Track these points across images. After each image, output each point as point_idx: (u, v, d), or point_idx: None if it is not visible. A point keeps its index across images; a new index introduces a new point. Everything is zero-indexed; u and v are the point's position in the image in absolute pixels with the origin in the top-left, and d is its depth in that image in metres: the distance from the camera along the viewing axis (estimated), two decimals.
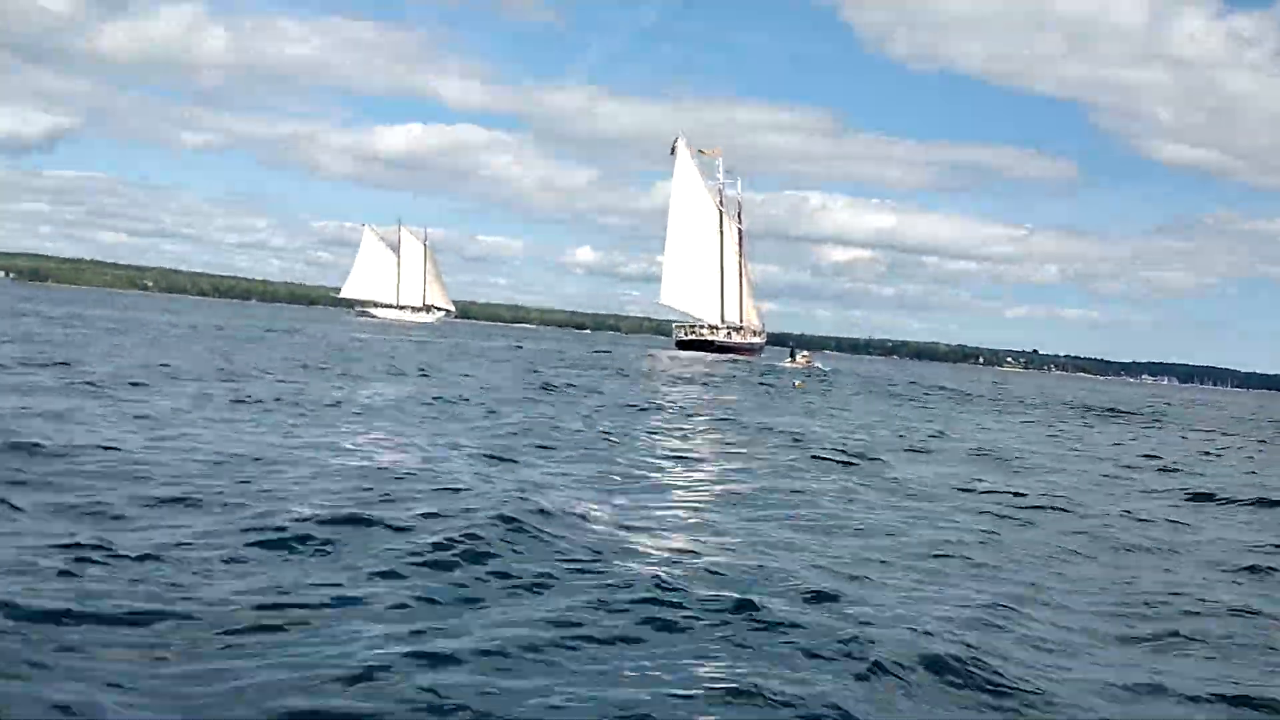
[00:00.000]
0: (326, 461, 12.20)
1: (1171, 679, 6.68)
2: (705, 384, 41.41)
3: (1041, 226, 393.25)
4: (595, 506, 10.51)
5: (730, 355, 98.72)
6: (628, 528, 9.61)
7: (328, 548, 7.92)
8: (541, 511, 9.37)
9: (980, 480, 16.29)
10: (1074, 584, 9.35)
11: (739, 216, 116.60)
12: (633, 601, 7.01)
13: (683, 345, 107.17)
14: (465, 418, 19.31)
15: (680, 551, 8.83)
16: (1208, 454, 28.24)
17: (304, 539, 8.04)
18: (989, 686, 6.12)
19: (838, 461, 17.00)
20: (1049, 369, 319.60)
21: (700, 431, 21.38)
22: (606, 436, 17.98)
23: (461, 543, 8.06)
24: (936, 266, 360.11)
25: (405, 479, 11.14)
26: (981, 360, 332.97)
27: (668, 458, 16.28)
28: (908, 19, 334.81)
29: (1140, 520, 13.55)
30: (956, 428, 28.15)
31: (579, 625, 6.50)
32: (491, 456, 13.87)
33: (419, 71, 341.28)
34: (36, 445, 11.09)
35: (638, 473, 13.99)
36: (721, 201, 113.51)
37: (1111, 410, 50.54)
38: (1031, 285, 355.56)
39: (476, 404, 22.30)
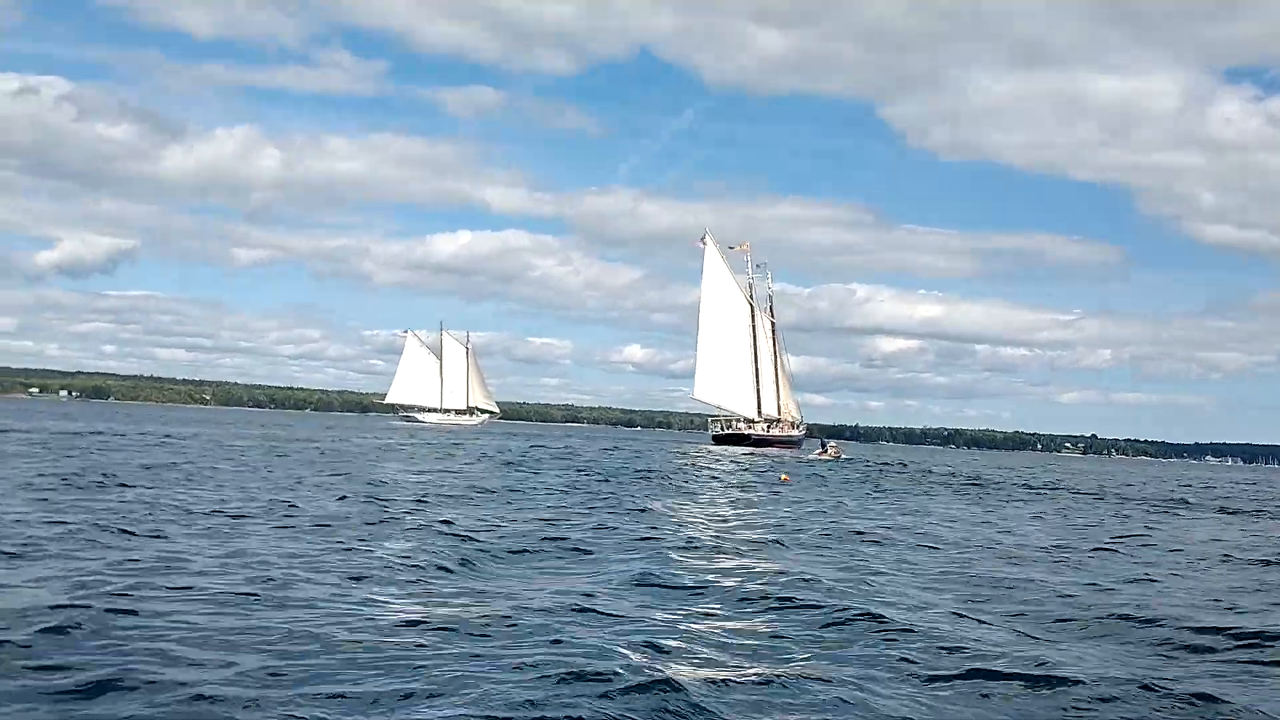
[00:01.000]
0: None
1: None
2: (714, 477, 41.16)
3: (1090, 311, 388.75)
4: None
5: (766, 448, 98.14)
6: None
7: None
8: None
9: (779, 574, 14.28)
10: None
11: (771, 309, 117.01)
12: None
13: (719, 440, 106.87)
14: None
15: None
16: None
17: None
18: None
19: (670, 550, 16.52)
20: (1109, 454, 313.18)
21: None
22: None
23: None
24: (988, 354, 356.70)
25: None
26: (1040, 447, 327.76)
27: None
28: (943, 113, 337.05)
29: None
30: (905, 518, 26.23)
31: None
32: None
33: (465, 181, 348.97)
34: None
35: None
36: (752, 295, 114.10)
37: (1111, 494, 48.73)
38: (1084, 370, 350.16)
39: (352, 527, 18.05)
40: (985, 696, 8.61)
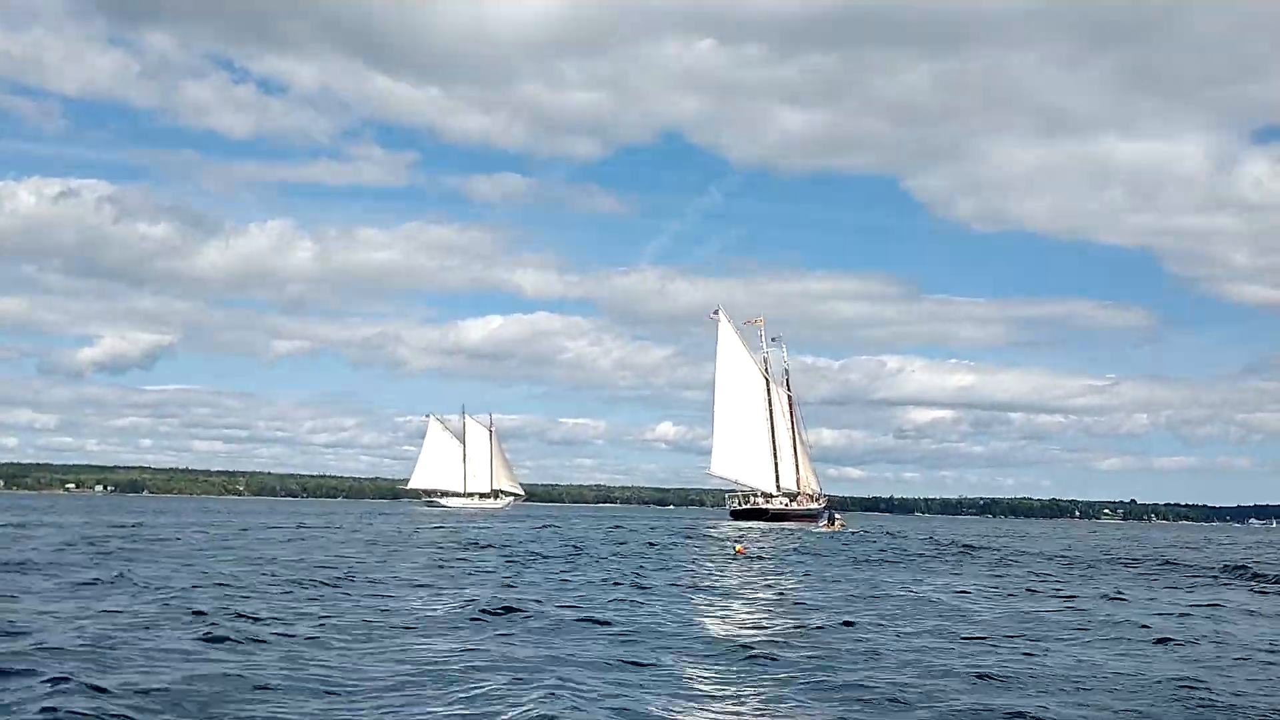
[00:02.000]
0: None
1: None
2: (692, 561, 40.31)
3: (1126, 376, 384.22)
4: None
5: (785, 522, 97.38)
6: None
7: None
8: None
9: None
10: None
11: (787, 382, 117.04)
12: None
13: (737, 515, 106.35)
14: None
15: None
16: None
17: None
18: None
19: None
20: (1148, 519, 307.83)
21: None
22: None
23: None
24: (1023, 422, 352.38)
25: None
26: (1077, 514, 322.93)
27: None
28: (969, 183, 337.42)
29: None
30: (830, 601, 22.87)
31: None
32: None
33: (496, 266, 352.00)
34: None
35: None
36: (768, 369, 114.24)
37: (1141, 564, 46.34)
38: (1122, 435, 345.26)
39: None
40: None
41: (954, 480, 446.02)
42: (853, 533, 74.18)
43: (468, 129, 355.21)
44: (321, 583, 22.74)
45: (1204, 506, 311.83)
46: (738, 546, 39.88)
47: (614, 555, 36.40)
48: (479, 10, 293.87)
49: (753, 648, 14.87)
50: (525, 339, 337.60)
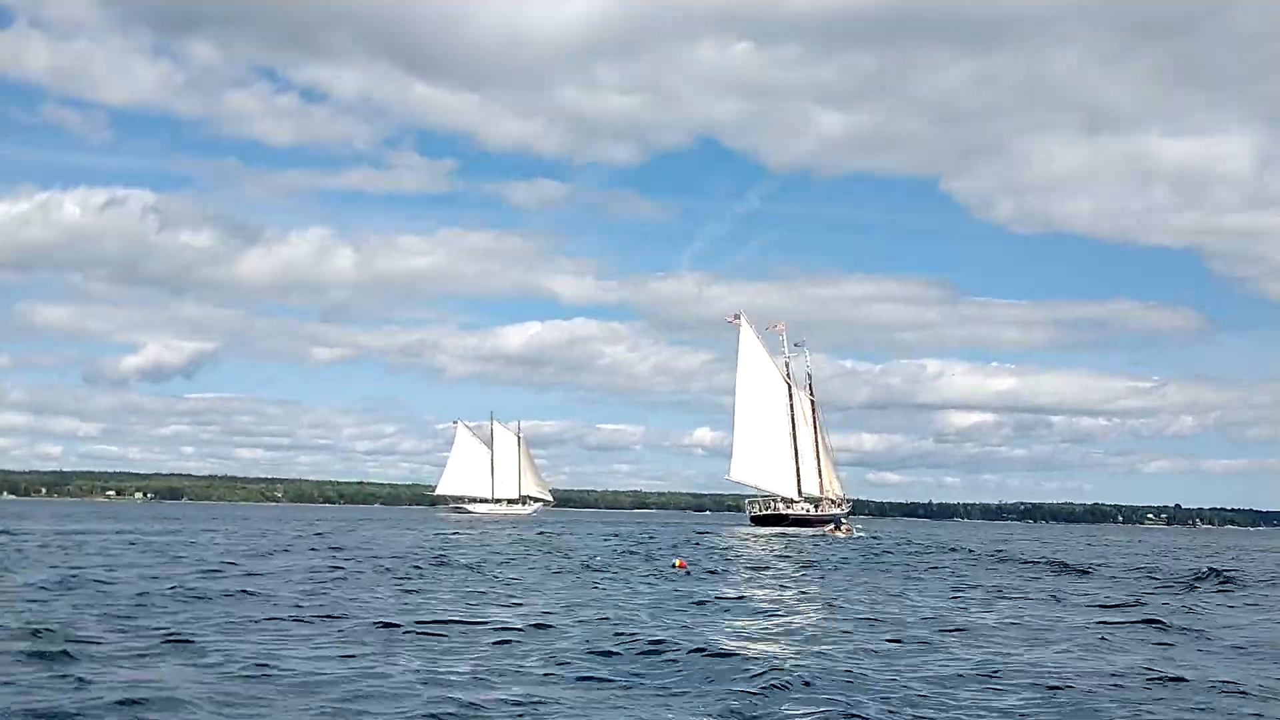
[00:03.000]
0: None
1: None
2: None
3: (1171, 377, 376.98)
4: None
5: (804, 527, 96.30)
6: None
7: None
8: None
9: None
10: None
11: (810, 387, 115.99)
12: None
13: (757, 520, 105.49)
14: None
15: None
16: None
17: None
18: None
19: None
20: (1193, 523, 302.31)
21: None
22: None
23: None
24: (1065, 425, 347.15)
25: None
26: (1121, 519, 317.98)
27: None
28: (1010, 184, 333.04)
29: None
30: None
31: None
32: None
33: (534, 272, 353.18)
34: None
35: None
36: (789, 374, 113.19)
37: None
38: (1168, 438, 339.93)
39: None
40: None
41: (995, 485, 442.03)
42: (859, 537, 73.46)
43: (505, 135, 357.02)
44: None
45: (1251, 510, 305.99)
46: (678, 561, 37.71)
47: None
48: (516, 16, 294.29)
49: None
50: (563, 345, 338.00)
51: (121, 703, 11.24)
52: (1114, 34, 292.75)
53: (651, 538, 65.76)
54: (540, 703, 12.10)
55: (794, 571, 36.39)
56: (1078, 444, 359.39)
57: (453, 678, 13.33)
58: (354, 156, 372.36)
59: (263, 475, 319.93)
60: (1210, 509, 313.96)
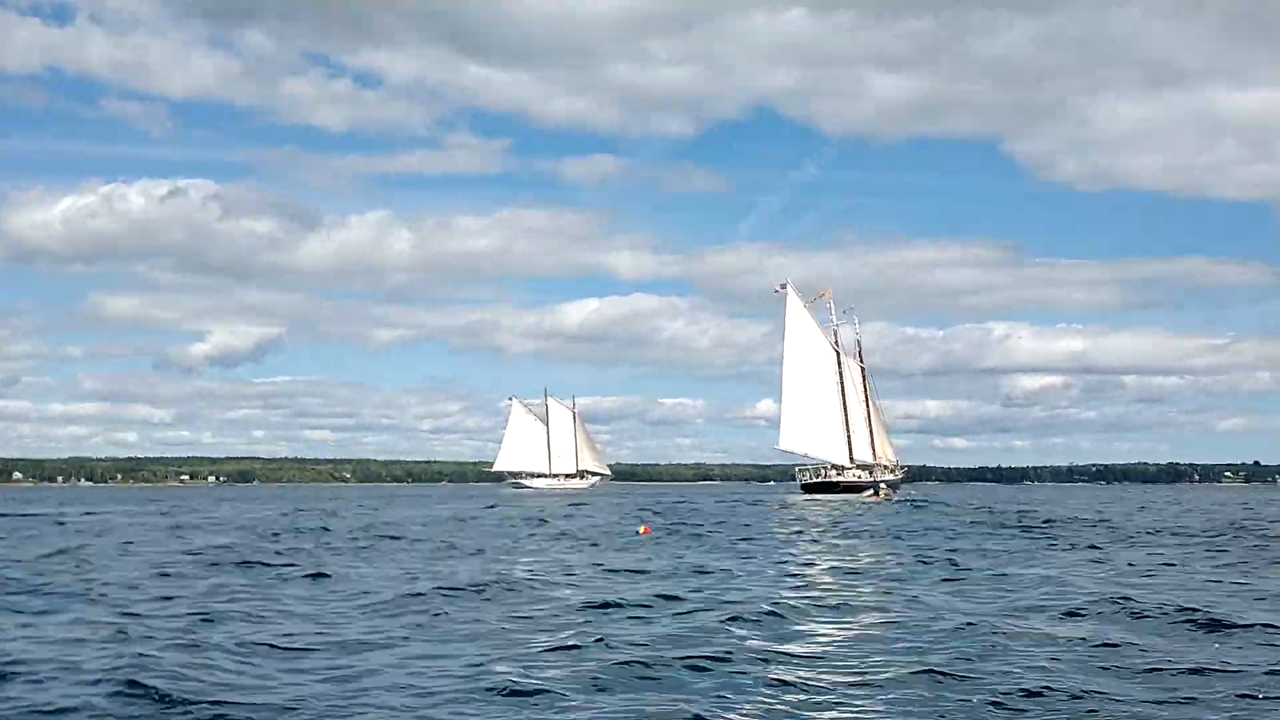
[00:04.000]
0: None
1: None
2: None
3: (1244, 334, 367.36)
4: None
5: (854, 494, 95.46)
6: None
7: None
8: None
9: None
10: None
11: (860, 354, 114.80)
12: None
13: (808, 489, 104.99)
14: None
15: None
16: None
17: None
18: None
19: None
20: (1273, 480, 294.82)
21: None
22: None
23: None
24: (1137, 385, 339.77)
25: None
26: (1196, 478, 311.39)
27: None
28: (1073, 143, 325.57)
29: None
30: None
31: None
32: None
33: (592, 249, 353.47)
34: None
35: None
36: (837, 341, 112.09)
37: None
38: (1243, 395, 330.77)
39: None
40: None
41: (1065, 447, 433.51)
42: (899, 502, 72.72)
43: (559, 112, 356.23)
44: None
45: None
46: (643, 527, 38.43)
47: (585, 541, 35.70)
48: None
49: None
50: (623, 320, 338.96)
51: None
52: None
53: (694, 508, 65.96)
54: None
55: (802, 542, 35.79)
56: (1150, 404, 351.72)
57: None
58: (409, 139, 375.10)
59: (330, 456, 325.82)
60: None
